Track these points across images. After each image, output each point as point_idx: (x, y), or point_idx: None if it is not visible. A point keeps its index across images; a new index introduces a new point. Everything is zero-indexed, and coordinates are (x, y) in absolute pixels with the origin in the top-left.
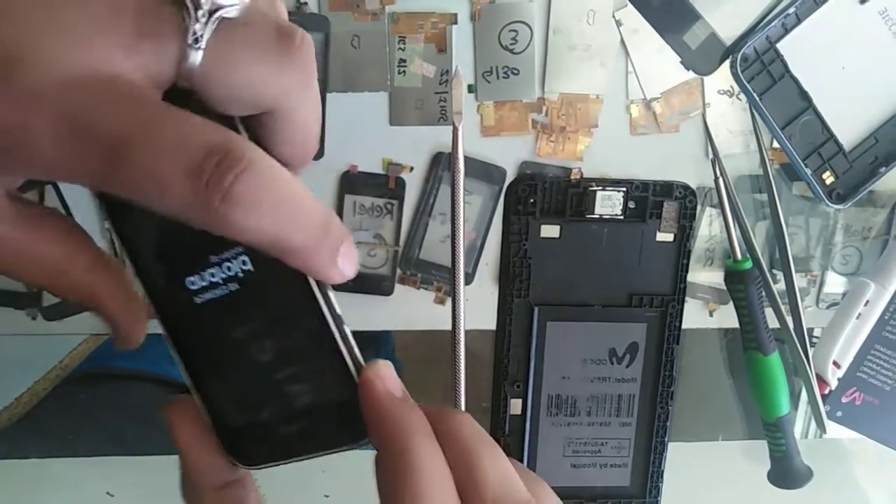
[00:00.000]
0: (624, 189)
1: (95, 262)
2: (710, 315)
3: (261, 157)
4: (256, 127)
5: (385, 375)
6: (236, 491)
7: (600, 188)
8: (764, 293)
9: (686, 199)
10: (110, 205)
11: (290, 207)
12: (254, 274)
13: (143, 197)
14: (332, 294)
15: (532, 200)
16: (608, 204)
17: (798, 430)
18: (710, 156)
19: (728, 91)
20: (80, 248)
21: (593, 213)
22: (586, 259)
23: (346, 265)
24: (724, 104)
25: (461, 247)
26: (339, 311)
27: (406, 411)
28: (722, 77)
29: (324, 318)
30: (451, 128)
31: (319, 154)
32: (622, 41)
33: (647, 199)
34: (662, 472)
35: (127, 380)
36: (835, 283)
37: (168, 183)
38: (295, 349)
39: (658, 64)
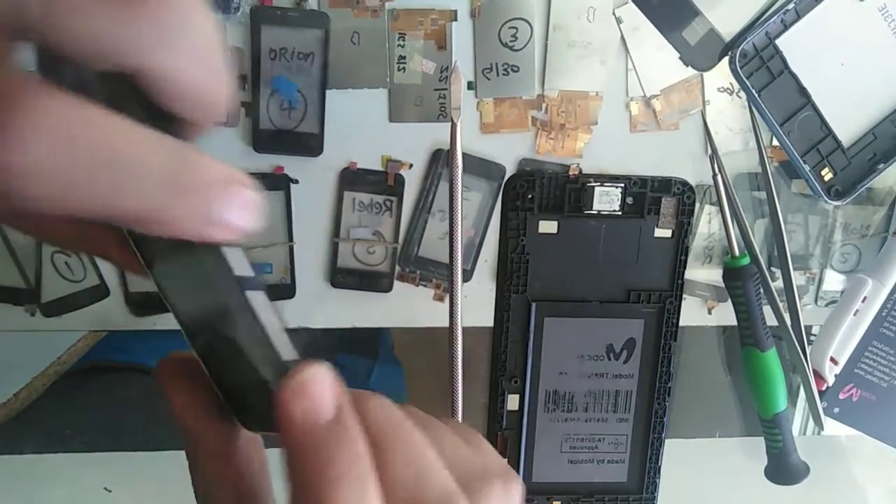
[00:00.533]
0: (622, 185)
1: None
2: (709, 313)
3: (43, 98)
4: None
5: (305, 390)
6: (239, 459)
7: (598, 184)
8: (762, 290)
9: (684, 195)
10: None
11: (104, 161)
12: None
13: None
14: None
15: (530, 196)
16: (606, 200)
17: (795, 426)
18: (709, 153)
19: (728, 88)
20: None
21: (591, 209)
22: (584, 255)
23: (234, 215)
24: (723, 102)
25: (459, 240)
26: (249, 295)
27: (332, 444)
28: (722, 74)
29: (229, 282)
30: (450, 125)
31: (318, 151)
32: (622, 38)
33: (646, 194)
34: (659, 467)
35: (124, 372)
36: (834, 281)
37: None
38: (217, 327)
39: (658, 61)
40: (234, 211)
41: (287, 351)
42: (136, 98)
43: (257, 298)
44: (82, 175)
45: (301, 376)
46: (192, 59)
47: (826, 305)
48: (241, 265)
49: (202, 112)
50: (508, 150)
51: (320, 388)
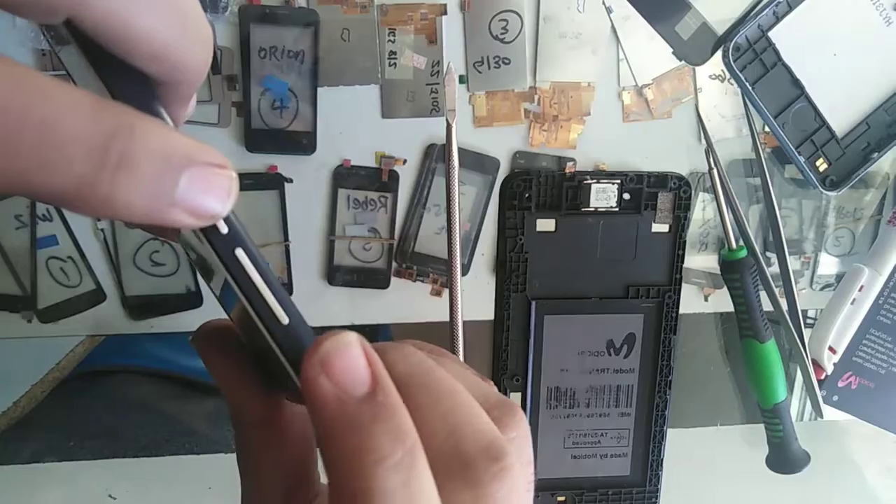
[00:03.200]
0: (618, 181)
1: None
2: (706, 300)
3: None
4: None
5: (334, 363)
6: (281, 428)
7: (595, 181)
8: (759, 281)
9: (680, 190)
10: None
11: (23, 127)
12: None
13: None
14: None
15: (527, 195)
16: (603, 196)
17: (794, 411)
18: (704, 145)
19: (719, 76)
20: None
21: (588, 206)
22: (582, 252)
23: (200, 204)
24: (715, 89)
25: (457, 243)
26: (238, 253)
27: (369, 424)
28: (713, 61)
29: (221, 261)
30: (443, 119)
31: (311, 149)
32: (613, 28)
33: (642, 190)
34: (662, 460)
35: (123, 375)
36: (828, 265)
37: None
38: (226, 288)
39: (649, 50)
40: (198, 193)
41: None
42: (101, 58)
43: (251, 257)
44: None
45: (327, 345)
46: (150, 3)
47: (821, 289)
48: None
49: (174, 70)
50: (502, 143)
51: (350, 357)
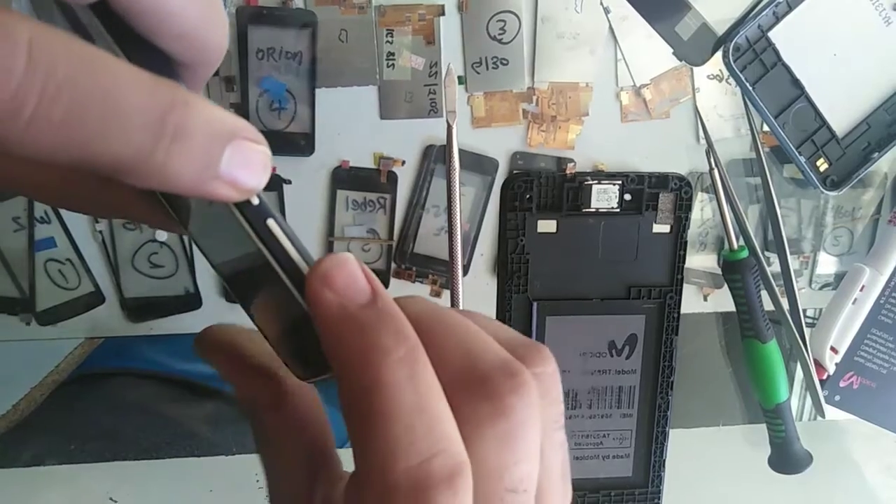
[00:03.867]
0: (619, 182)
1: (107, 181)
2: (705, 299)
3: (10, 23)
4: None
5: (335, 277)
6: (292, 410)
7: (596, 182)
8: (761, 281)
9: (682, 191)
10: None
11: (89, 98)
12: None
13: None
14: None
15: (528, 196)
16: (604, 197)
17: (793, 410)
18: (705, 146)
19: (717, 75)
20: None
21: (589, 207)
22: (584, 253)
23: (240, 177)
24: (713, 88)
25: (458, 243)
26: (270, 223)
27: (372, 325)
28: (711, 61)
29: (253, 241)
30: (441, 119)
31: (310, 150)
32: (611, 28)
33: (643, 191)
34: (664, 461)
35: (122, 378)
36: (827, 264)
37: None
38: (250, 263)
39: (647, 50)
40: (239, 166)
41: None
42: (127, 38)
43: (280, 227)
44: (57, 112)
45: (325, 263)
46: None
47: (820, 288)
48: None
49: (196, 51)
50: (500, 144)
51: (349, 270)
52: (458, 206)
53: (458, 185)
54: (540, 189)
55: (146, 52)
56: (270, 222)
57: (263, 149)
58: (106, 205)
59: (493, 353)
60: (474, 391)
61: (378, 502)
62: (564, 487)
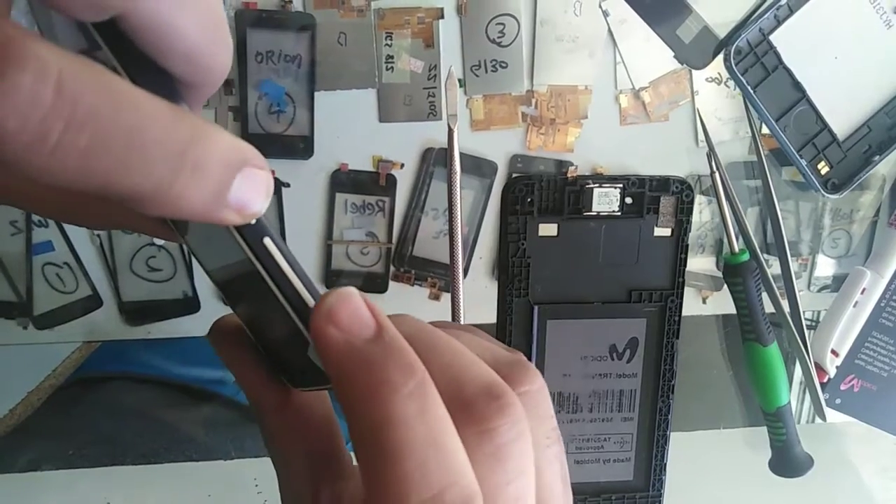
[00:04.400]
0: (620, 185)
1: None
2: (704, 302)
3: (50, 56)
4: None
5: (339, 313)
6: (298, 411)
7: (597, 185)
8: (762, 284)
9: (683, 194)
10: None
11: (114, 131)
12: None
13: None
14: (264, 232)
15: (529, 200)
16: (605, 201)
17: (794, 411)
18: (705, 149)
19: (716, 78)
20: None
21: (590, 211)
22: (585, 256)
23: (246, 203)
24: (712, 92)
25: (459, 247)
26: (266, 242)
27: (379, 361)
28: (710, 64)
29: (250, 259)
30: (440, 122)
31: (309, 153)
32: (609, 31)
33: (644, 194)
34: (665, 465)
35: (121, 381)
36: (825, 266)
37: None
38: (246, 282)
39: (646, 53)
40: (246, 193)
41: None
42: (132, 57)
43: (278, 246)
44: (80, 142)
45: (329, 299)
46: (189, 4)
47: (818, 291)
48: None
49: (201, 72)
50: (499, 147)
51: (353, 306)
52: (458, 209)
53: (458, 189)
54: (541, 192)
55: (149, 70)
56: (267, 241)
57: (267, 174)
58: (104, 217)
59: (478, 375)
60: (460, 416)
61: None
62: (565, 498)
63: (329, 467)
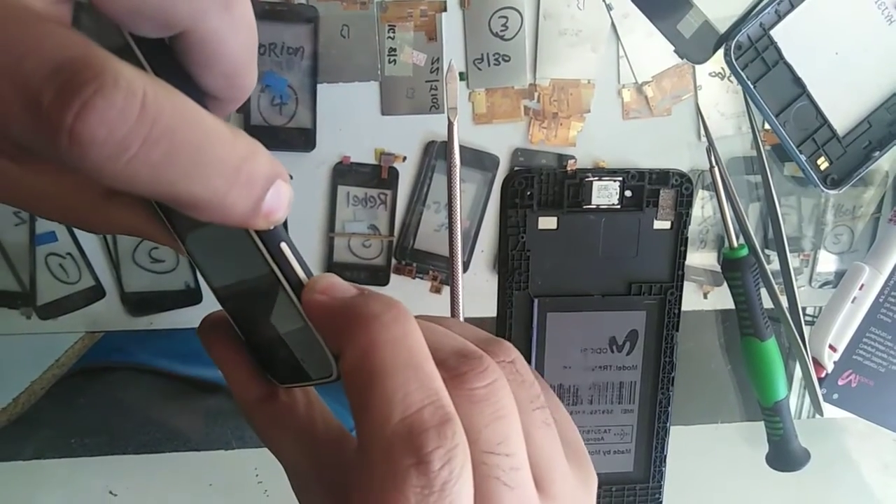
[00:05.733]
0: (620, 178)
1: (109, 193)
2: (705, 297)
3: (133, 78)
4: (180, 55)
5: (325, 287)
6: (283, 403)
7: (596, 178)
8: (760, 279)
9: (682, 187)
10: None
11: (184, 145)
12: None
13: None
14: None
15: (529, 193)
16: (605, 194)
17: (792, 408)
18: (706, 144)
19: (719, 73)
20: (91, 182)
21: (590, 204)
22: (584, 249)
23: (274, 210)
24: (715, 86)
25: (458, 241)
26: (279, 241)
27: (362, 300)
28: (713, 59)
29: (262, 255)
30: (442, 115)
31: (311, 146)
32: (613, 25)
33: (644, 187)
34: (665, 456)
35: (122, 372)
36: (827, 262)
37: (9, 115)
38: (252, 283)
39: (649, 47)
40: (275, 203)
41: None
42: (166, 69)
43: (292, 250)
44: (154, 155)
45: (314, 283)
46: (241, 26)
47: (820, 287)
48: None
49: (235, 90)
50: (501, 141)
51: (333, 279)
52: (458, 203)
53: (458, 183)
54: (540, 186)
55: (181, 82)
56: (283, 245)
57: (290, 187)
58: (105, 219)
59: (453, 344)
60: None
61: (381, 455)
62: (570, 467)
63: (319, 448)
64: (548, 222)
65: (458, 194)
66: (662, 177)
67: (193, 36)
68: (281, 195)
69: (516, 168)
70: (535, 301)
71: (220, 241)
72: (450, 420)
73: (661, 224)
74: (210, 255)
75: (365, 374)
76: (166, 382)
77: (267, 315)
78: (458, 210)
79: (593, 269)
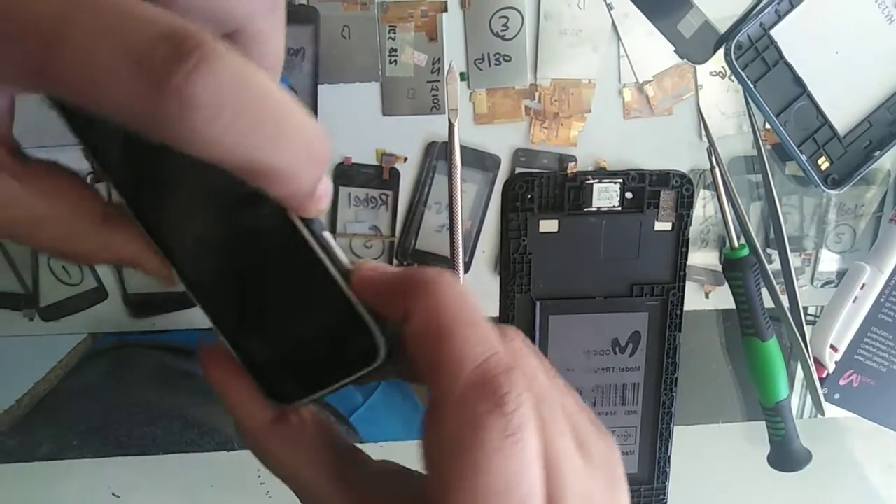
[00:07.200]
0: (620, 180)
1: (106, 218)
2: (706, 297)
3: (228, 51)
4: None
5: (374, 266)
6: (296, 421)
7: (597, 181)
8: (761, 279)
9: (683, 188)
10: (82, 128)
11: (268, 116)
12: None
13: (84, 96)
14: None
15: (530, 196)
16: (605, 196)
17: (793, 408)
18: (706, 144)
19: (720, 73)
20: (89, 204)
21: (591, 206)
22: (586, 251)
23: (325, 195)
24: (716, 86)
25: (459, 242)
26: (321, 230)
27: (416, 271)
28: (714, 58)
29: (308, 245)
30: (443, 116)
31: None
32: (613, 25)
33: (644, 189)
34: (669, 457)
35: (126, 374)
36: (829, 262)
37: (109, 75)
38: (287, 278)
39: (650, 47)
40: (326, 189)
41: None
42: None
43: (328, 238)
44: (243, 123)
45: (360, 265)
46: (282, 29)
47: (822, 286)
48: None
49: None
50: (503, 141)
51: (378, 264)
52: (459, 204)
53: (459, 184)
54: (541, 189)
55: None
56: (326, 234)
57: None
58: (100, 246)
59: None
60: None
61: (459, 404)
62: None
63: (340, 459)
64: (549, 225)
65: (458, 195)
66: (663, 178)
67: (243, 36)
68: (327, 183)
69: (517, 171)
70: (538, 304)
71: (227, 251)
72: (514, 368)
73: (663, 225)
74: (212, 271)
75: (435, 331)
76: (171, 384)
77: (292, 316)
78: (460, 211)
79: (595, 271)
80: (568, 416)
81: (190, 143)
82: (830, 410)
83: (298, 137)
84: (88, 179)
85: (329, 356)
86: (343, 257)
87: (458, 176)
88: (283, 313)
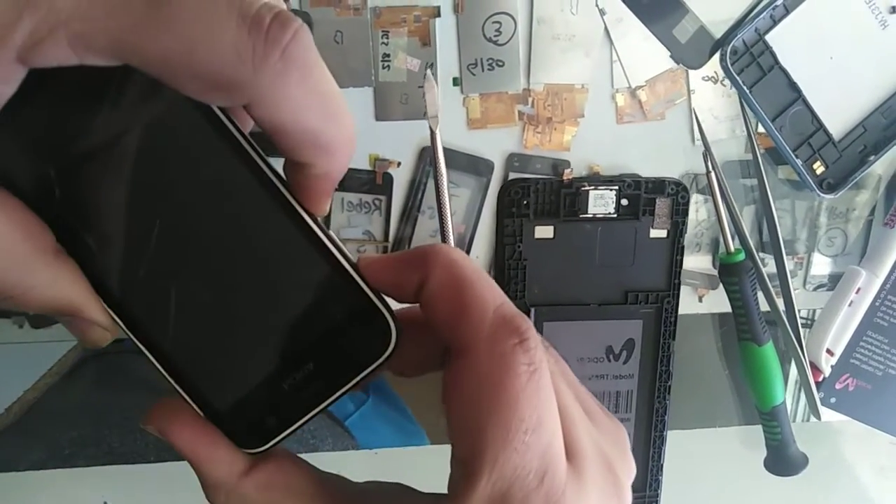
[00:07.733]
0: (616, 187)
1: (57, 255)
2: (700, 300)
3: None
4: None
5: (377, 255)
6: (275, 462)
7: (592, 187)
8: (757, 284)
9: (678, 195)
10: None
11: (336, 91)
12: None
13: (189, 45)
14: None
15: (525, 202)
16: (601, 203)
17: (789, 410)
18: (700, 148)
19: (713, 77)
20: (43, 237)
21: (586, 213)
22: (581, 258)
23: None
24: (708, 90)
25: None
26: (331, 233)
27: (421, 247)
28: (706, 63)
29: (317, 243)
30: (429, 133)
31: None
32: (606, 30)
33: (640, 196)
34: (662, 465)
35: (117, 381)
36: (821, 265)
37: (220, 26)
38: (286, 278)
39: (642, 52)
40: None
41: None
42: None
43: (333, 237)
44: (326, 90)
45: (364, 254)
46: (319, 105)
47: (814, 289)
48: None
49: (310, 161)
50: (496, 146)
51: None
52: (448, 211)
53: (447, 191)
54: (536, 195)
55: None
56: (331, 233)
57: None
58: (48, 281)
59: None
60: None
61: (489, 343)
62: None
63: (326, 487)
64: (544, 231)
65: (447, 202)
66: (658, 186)
67: (253, 110)
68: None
69: (512, 177)
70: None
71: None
72: (524, 314)
73: (658, 233)
74: (173, 295)
75: (458, 282)
76: (163, 390)
77: (286, 328)
78: (450, 219)
79: (590, 278)
80: (570, 382)
81: (274, 103)
82: (826, 414)
83: (350, 119)
84: None
85: (330, 356)
86: (347, 253)
87: (446, 184)
88: (258, 339)
